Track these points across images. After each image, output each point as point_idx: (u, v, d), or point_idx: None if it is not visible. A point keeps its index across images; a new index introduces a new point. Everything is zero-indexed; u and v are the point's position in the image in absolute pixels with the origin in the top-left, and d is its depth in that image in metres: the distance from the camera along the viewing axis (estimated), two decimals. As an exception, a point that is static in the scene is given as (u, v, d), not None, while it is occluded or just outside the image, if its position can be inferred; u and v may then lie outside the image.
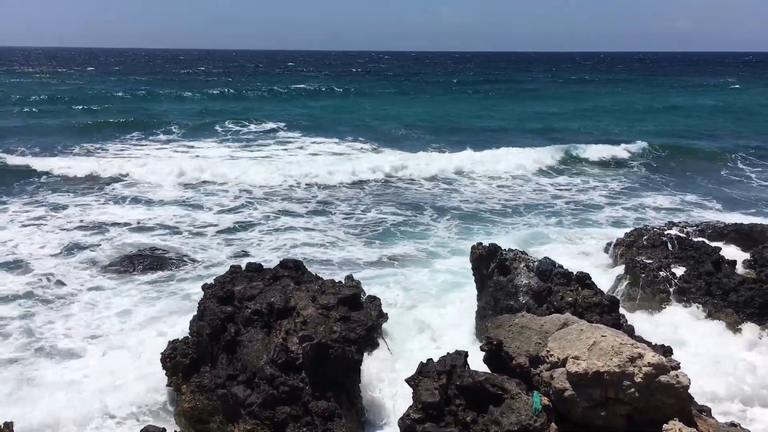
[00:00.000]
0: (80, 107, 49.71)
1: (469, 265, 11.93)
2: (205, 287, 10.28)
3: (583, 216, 20.90)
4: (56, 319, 12.61)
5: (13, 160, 27.52)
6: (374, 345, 10.06)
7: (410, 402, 7.07)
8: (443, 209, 21.51)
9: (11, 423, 8.54)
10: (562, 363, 6.74)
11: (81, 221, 19.10)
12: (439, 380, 7.05)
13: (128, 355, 11.02)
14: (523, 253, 11.60)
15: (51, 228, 18.33)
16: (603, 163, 30.74)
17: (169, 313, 12.76)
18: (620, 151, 32.62)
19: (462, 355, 7.37)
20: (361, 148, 34.36)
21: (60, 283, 14.39)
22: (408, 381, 7.32)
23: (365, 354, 9.27)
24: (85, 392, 9.82)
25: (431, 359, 7.58)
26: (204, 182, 24.84)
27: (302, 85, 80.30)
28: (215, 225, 19.18)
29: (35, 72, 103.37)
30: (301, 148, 34.34)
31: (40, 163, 26.60)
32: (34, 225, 18.63)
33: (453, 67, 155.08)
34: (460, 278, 14.41)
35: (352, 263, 16.01)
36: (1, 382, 10.10)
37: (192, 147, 33.55)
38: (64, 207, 20.70)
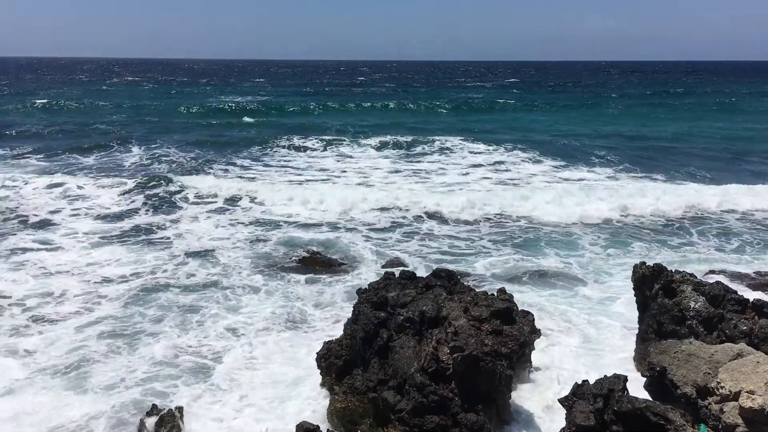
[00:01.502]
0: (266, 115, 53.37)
1: (631, 286, 11.35)
2: (359, 292, 10.58)
3: None
4: (233, 307, 13.68)
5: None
6: (526, 361, 9.83)
7: (562, 423, 6.83)
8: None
9: (182, 408, 9.28)
10: (735, 397, 6.22)
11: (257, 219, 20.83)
12: (595, 403, 6.76)
13: (290, 352, 11.58)
14: (691, 275, 10.83)
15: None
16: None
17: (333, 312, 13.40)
18: None
19: (621, 380, 7.02)
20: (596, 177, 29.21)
21: (231, 275, 15.60)
22: (561, 401, 7.09)
23: (516, 370, 9.08)
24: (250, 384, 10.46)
25: (586, 381, 7.28)
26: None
27: (473, 95, 79.29)
28: (374, 229, 19.70)
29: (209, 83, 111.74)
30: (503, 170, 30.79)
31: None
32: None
33: (620, 78, 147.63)
34: (620, 298, 13.78)
35: (500, 275, 15.79)
36: (172, 366, 10.99)
37: (372, 167, 31.58)
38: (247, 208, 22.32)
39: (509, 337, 8.66)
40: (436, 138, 39.33)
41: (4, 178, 25.37)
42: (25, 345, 11.77)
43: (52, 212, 21.38)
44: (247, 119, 52.00)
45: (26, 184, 24.74)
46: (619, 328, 12.41)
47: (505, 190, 25.07)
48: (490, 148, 36.44)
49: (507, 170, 30.53)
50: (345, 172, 29.55)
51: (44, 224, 20.09)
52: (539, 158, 33.73)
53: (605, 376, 7.18)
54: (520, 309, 9.76)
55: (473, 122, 52.49)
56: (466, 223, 20.86)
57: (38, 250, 17.54)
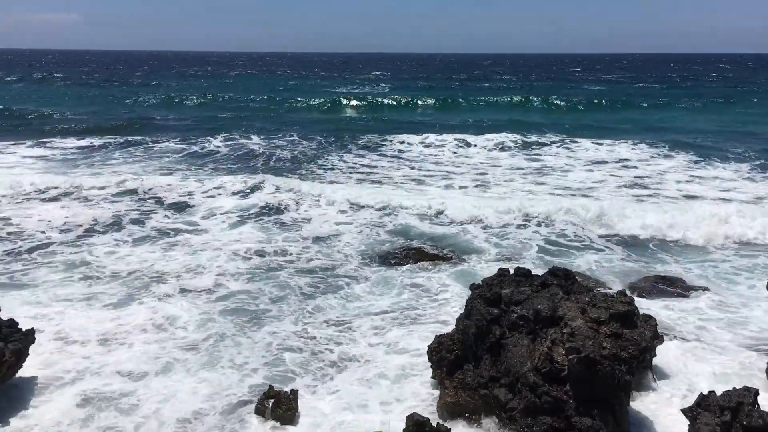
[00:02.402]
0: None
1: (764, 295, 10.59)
2: (473, 287, 10.50)
3: None
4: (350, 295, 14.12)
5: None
6: (646, 367, 9.41)
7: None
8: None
9: (296, 391, 9.61)
10: None
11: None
12: (722, 416, 6.38)
13: (402, 344, 11.72)
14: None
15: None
16: None
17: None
18: None
19: (752, 393, 6.58)
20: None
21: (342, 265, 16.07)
22: (684, 412, 6.75)
23: (636, 376, 8.70)
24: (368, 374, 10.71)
25: (713, 392, 6.87)
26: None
27: (590, 87, 76.35)
28: (492, 226, 19.47)
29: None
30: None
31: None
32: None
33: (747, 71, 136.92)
34: (753, 308, 12.90)
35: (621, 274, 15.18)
36: (288, 350, 11.39)
37: (491, 164, 30.49)
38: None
39: (629, 341, 8.31)
40: (556, 135, 38.20)
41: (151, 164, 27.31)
42: (169, 317, 12.73)
43: (190, 194, 22.89)
44: (362, 111, 52.95)
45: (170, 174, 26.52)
46: (751, 339, 11.62)
47: (642, 199, 22.97)
48: (615, 145, 34.68)
49: (634, 167, 29.14)
50: (461, 167, 29.36)
51: (183, 206, 21.52)
52: (668, 153, 32.04)
53: (734, 388, 6.75)
54: (642, 313, 9.34)
55: (592, 118, 50.50)
56: (601, 237, 18.57)
57: (184, 230, 18.99)
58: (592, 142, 35.28)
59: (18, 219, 19.60)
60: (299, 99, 61.84)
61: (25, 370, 10.14)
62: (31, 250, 16.92)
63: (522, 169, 29.10)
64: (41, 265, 15.83)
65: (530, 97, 64.72)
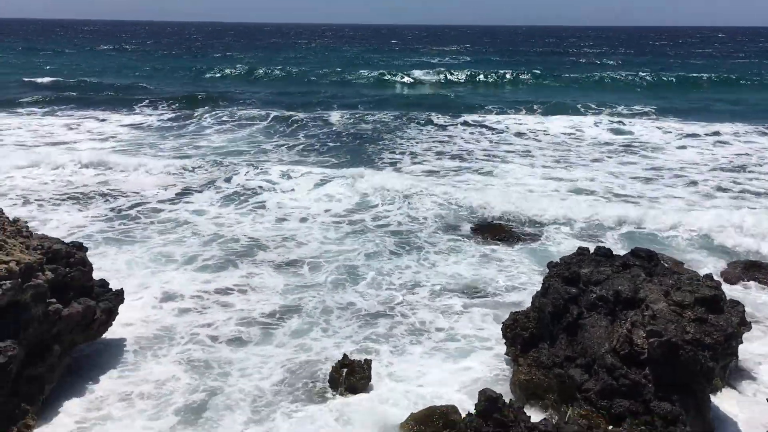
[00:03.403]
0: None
1: None
2: (550, 265, 10.32)
3: None
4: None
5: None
6: (732, 354, 9.02)
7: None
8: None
9: (370, 360, 9.75)
10: None
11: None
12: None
13: (476, 319, 11.73)
14: None
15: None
16: None
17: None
18: None
19: None
20: None
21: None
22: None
23: (720, 363, 8.37)
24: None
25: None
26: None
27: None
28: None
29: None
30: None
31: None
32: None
33: None
34: None
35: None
36: (362, 318, 11.57)
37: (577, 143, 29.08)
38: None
39: (714, 326, 7.98)
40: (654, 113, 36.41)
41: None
42: (262, 282, 13.25)
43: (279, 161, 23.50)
44: (436, 86, 52.41)
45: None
46: None
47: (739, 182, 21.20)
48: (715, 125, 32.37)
49: (730, 145, 27.55)
50: (541, 144, 28.67)
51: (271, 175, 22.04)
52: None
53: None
54: (729, 299, 8.94)
55: (697, 96, 47.48)
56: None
57: (275, 196, 19.65)
58: (691, 123, 32.99)
59: (118, 184, 20.58)
60: (377, 72, 61.78)
61: (122, 330, 10.75)
62: (131, 208, 17.98)
63: (610, 144, 28.21)
64: (141, 225, 16.69)
65: (622, 73, 61.97)
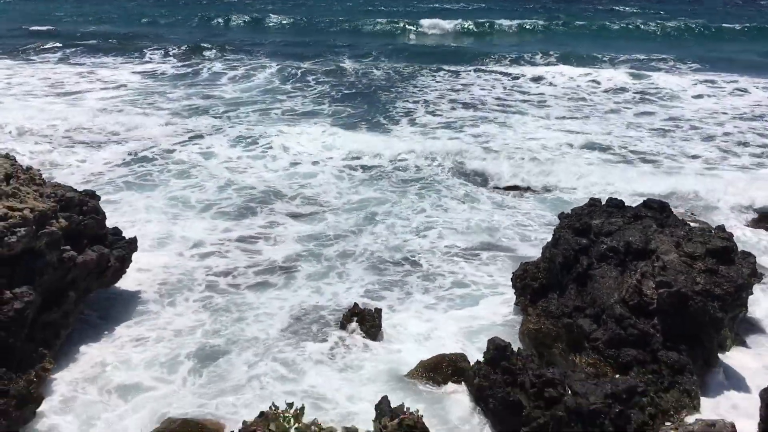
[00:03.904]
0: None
1: None
2: (561, 216, 10.32)
3: None
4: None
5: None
6: (742, 305, 9.03)
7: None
8: None
9: (380, 309, 9.85)
10: None
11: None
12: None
13: (485, 268, 11.79)
14: None
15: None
16: None
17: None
18: None
19: None
20: None
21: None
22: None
23: (729, 314, 8.39)
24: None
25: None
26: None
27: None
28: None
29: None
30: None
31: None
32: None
33: None
34: None
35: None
36: (372, 267, 11.67)
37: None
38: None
39: (725, 278, 7.98)
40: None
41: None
42: (279, 231, 13.39)
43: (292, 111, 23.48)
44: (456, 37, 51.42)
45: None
46: None
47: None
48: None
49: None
50: (559, 97, 28.17)
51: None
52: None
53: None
54: (741, 250, 8.91)
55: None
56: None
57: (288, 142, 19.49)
58: (714, 74, 31.05)
59: (134, 131, 20.59)
60: (389, 21, 60.48)
61: (141, 276, 10.96)
62: (145, 153, 18.12)
63: (625, 91, 27.59)
64: (157, 168, 16.90)
65: (644, 22, 59.70)
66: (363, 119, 22.69)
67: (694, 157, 18.61)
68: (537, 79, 29.95)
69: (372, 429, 3.51)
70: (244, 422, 5.53)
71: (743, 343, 9.28)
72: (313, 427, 3.52)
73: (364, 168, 17.50)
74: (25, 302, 7.85)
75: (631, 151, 19.15)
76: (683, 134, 21.13)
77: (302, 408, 3.49)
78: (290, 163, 17.70)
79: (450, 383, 8.31)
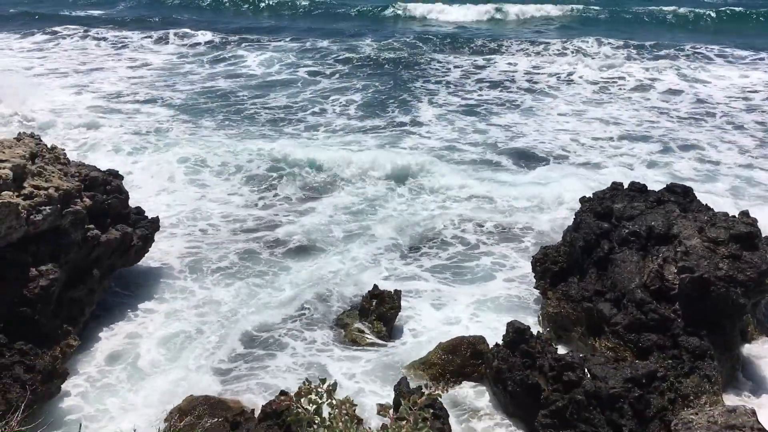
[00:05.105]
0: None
1: None
2: (583, 200, 10.23)
3: None
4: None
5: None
6: (764, 292, 8.93)
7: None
8: None
9: (399, 291, 9.89)
10: None
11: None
12: None
13: (503, 251, 11.77)
14: None
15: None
16: None
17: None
18: None
19: None
20: None
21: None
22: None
23: (752, 300, 8.30)
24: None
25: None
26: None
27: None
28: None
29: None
30: None
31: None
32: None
33: None
34: None
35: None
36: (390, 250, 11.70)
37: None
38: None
39: (749, 263, 7.88)
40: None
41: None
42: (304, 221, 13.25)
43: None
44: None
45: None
46: None
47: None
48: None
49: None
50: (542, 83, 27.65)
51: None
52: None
53: None
54: (765, 235, 8.78)
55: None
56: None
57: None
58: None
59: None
60: (413, 5, 59.94)
61: (166, 252, 11.27)
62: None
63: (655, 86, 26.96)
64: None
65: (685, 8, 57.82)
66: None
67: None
68: (567, 65, 29.03)
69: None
70: (276, 397, 5.57)
71: (766, 331, 9.18)
72: (346, 403, 3.58)
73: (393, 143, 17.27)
74: (50, 279, 7.99)
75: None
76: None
77: (335, 384, 3.54)
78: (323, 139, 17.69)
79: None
